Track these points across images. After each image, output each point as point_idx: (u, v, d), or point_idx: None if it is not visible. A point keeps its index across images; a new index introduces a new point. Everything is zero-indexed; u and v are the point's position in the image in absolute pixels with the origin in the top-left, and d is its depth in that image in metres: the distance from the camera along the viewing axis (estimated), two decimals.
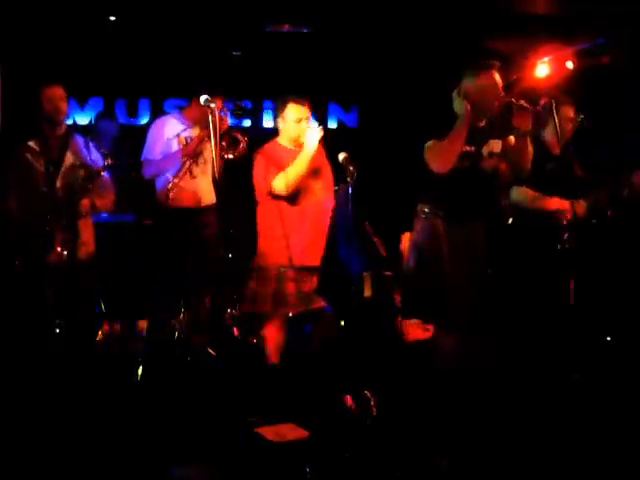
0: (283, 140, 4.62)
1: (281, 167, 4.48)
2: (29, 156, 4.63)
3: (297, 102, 4.52)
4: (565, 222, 4.60)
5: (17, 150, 4.67)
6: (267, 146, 4.65)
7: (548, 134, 4.73)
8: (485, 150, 4.33)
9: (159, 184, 5.08)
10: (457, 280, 4.25)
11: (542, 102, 4.70)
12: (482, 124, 4.32)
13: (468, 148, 4.26)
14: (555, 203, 4.64)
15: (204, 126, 4.81)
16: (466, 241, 4.32)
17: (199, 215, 5.07)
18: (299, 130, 4.51)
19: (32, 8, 5.86)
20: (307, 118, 4.54)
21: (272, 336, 4.53)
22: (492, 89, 4.20)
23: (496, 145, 4.35)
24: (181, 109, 5.42)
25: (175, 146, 5.06)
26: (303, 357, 4.65)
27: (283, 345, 4.54)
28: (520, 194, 4.67)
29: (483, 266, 4.42)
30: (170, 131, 5.08)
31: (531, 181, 4.61)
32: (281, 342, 4.54)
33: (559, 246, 4.60)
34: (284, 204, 4.52)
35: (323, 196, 4.62)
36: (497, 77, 4.22)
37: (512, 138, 4.33)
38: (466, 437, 3.63)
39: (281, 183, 4.44)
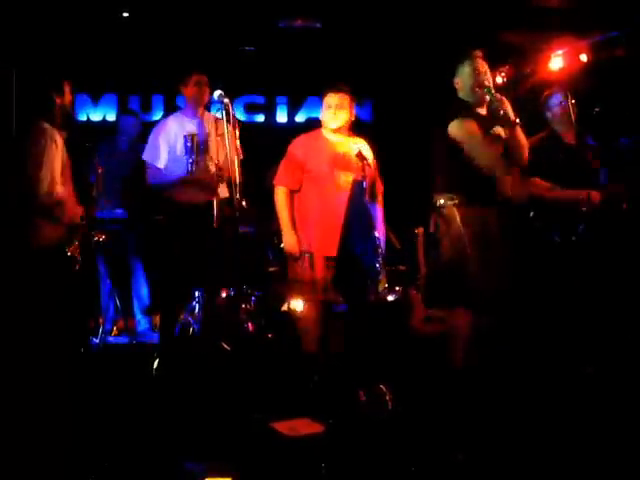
0: (324, 129, 4.74)
1: (315, 155, 4.61)
2: (54, 133, 4.13)
3: (332, 90, 4.67)
4: (580, 213, 4.58)
5: (43, 127, 4.10)
6: (306, 135, 4.78)
7: (560, 124, 4.71)
8: (492, 134, 4.28)
9: (162, 180, 5.11)
10: (482, 264, 4.20)
11: (551, 92, 4.69)
12: (484, 112, 4.30)
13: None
14: (569, 194, 4.61)
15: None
16: (483, 225, 4.22)
17: (206, 210, 4.98)
18: (329, 116, 4.65)
19: (46, 4, 5.88)
20: (339, 105, 4.64)
21: (309, 325, 4.53)
22: (475, 76, 4.25)
23: (501, 130, 4.29)
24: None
25: (180, 145, 5.06)
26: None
27: (320, 334, 4.50)
28: (532, 184, 4.66)
29: (502, 250, 4.34)
30: (173, 132, 5.11)
31: (542, 171, 4.60)
32: (318, 331, 4.51)
33: (573, 237, 4.59)
34: (305, 194, 4.64)
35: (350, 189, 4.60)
36: (479, 64, 4.29)
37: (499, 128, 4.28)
38: (481, 431, 3.63)
39: (276, 196, 4.66)
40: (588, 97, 4.92)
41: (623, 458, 3.36)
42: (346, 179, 4.58)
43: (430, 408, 3.93)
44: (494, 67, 6.58)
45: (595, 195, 4.60)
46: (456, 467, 3.36)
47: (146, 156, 5.14)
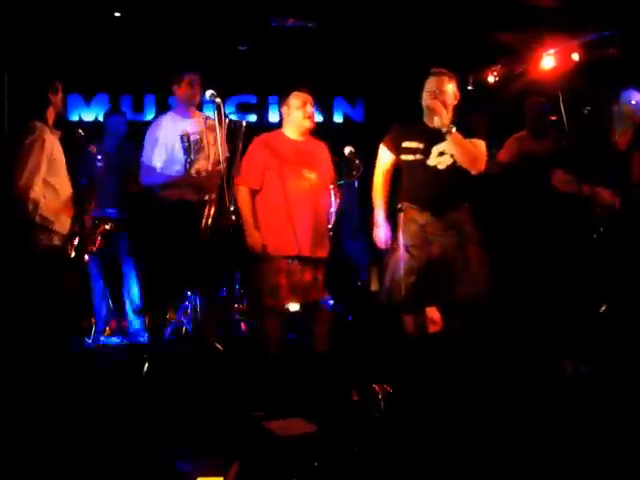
0: (287, 130, 4.75)
1: (278, 155, 4.63)
2: (44, 132, 4.12)
3: (300, 90, 4.71)
4: (605, 212, 4.57)
5: (33, 126, 4.11)
6: (268, 134, 4.82)
7: (621, 123, 4.70)
8: (435, 149, 4.39)
9: (156, 179, 5.14)
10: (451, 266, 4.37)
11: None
12: (433, 125, 4.34)
13: (416, 145, 4.45)
14: (585, 191, 4.59)
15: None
16: (448, 229, 4.38)
17: (197, 208, 5.05)
18: (304, 115, 4.66)
19: (37, 4, 5.87)
20: (311, 104, 4.70)
21: (270, 329, 4.63)
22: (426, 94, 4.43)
23: (447, 146, 4.37)
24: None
25: (175, 144, 5.08)
26: (309, 351, 4.66)
27: (281, 337, 4.63)
28: (555, 177, 4.68)
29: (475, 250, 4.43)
30: (169, 132, 5.13)
31: (580, 168, 4.60)
32: (279, 335, 4.63)
33: (594, 235, 4.58)
34: (267, 193, 4.66)
35: (316, 188, 4.65)
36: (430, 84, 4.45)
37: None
38: (477, 430, 3.63)
39: (238, 194, 4.67)
40: (579, 96, 4.91)
41: (623, 458, 3.36)
42: (309, 177, 4.66)
43: (423, 407, 3.92)
44: (486, 66, 6.64)
45: (610, 196, 4.56)
46: (452, 466, 3.36)
47: (144, 157, 5.16)
